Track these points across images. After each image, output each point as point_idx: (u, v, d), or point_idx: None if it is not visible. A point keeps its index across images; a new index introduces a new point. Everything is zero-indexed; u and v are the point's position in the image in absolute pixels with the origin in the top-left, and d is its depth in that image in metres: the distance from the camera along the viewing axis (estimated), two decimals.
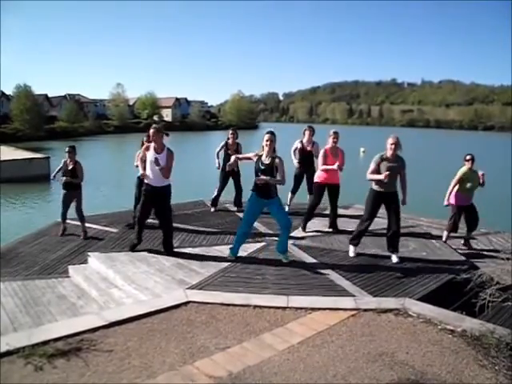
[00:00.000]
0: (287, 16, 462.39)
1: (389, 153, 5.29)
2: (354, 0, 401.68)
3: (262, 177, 4.98)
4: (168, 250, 5.53)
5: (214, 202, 8.17)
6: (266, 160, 5.04)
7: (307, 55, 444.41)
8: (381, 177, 5.21)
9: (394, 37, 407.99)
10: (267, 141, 5.03)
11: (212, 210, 8.12)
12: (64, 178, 7.00)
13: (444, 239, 6.54)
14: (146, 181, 5.48)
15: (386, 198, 5.38)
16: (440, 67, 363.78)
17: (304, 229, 6.74)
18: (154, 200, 5.51)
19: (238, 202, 8.20)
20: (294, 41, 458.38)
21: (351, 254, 5.62)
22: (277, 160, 5.02)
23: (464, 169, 6.40)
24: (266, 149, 5.04)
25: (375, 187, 5.41)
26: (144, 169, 5.45)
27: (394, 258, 5.44)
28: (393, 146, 5.24)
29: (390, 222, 5.44)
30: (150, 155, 5.33)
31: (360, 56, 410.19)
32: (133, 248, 5.61)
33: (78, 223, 7.09)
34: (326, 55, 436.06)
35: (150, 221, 6.17)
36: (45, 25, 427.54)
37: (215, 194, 8.13)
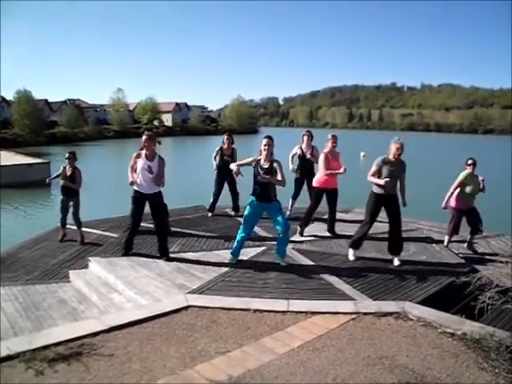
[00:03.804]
0: (286, 20, 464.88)
1: (391, 156, 5.29)
2: (352, 1, 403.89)
3: (265, 176, 5.03)
4: (163, 255, 5.51)
5: (211, 207, 8.16)
6: (265, 164, 5.11)
7: (307, 59, 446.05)
8: (381, 182, 5.24)
9: (393, 40, 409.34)
10: (265, 145, 5.11)
11: (209, 215, 8.09)
12: (62, 181, 7.00)
13: (446, 243, 6.53)
14: (135, 188, 5.48)
15: (386, 200, 5.41)
16: (439, 71, 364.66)
17: (302, 233, 6.71)
18: (143, 207, 5.55)
19: (235, 206, 8.17)
20: (293, 45, 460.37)
21: (351, 257, 5.62)
22: (275, 164, 5.11)
23: (465, 173, 6.40)
24: (264, 153, 5.11)
25: (376, 190, 5.43)
26: (133, 176, 5.44)
27: (396, 262, 5.45)
28: (399, 151, 5.23)
29: (390, 225, 5.47)
30: (141, 163, 5.35)
31: (359, 60, 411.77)
32: (126, 254, 5.66)
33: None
34: (325, 59, 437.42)
35: (150, 225, 6.18)
36: (45, 30, 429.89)
37: (212, 199, 8.13)
